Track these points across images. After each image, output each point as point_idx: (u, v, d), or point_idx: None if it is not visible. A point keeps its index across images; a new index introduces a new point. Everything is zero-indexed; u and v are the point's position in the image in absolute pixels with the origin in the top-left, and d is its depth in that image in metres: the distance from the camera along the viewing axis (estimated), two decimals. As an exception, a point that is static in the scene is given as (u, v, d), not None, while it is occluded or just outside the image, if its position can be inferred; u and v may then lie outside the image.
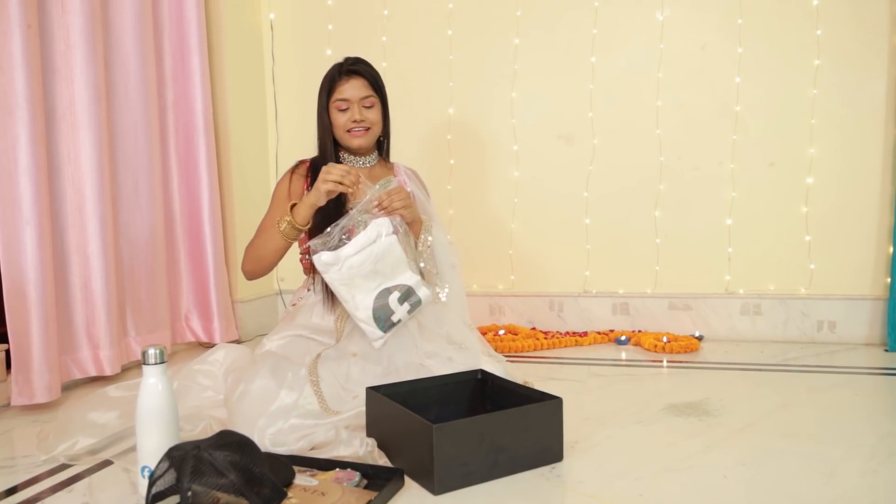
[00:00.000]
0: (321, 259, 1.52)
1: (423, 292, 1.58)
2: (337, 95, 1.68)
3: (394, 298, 1.55)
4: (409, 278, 1.57)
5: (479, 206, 2.67)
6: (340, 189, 1.54)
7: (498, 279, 2.68)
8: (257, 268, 1.71)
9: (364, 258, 1.53)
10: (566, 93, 2.56)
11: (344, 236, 1.55)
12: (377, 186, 1.57)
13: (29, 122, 1.74)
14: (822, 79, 2.31)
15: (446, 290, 1.66)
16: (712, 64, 2.42)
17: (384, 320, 1.55)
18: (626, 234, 2.54)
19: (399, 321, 1.56)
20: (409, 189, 1.76)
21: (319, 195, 1.55)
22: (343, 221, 1.55)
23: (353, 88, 1.68)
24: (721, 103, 2.42)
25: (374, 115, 1.71)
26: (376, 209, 1.57)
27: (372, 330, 1.55)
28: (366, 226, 1.56)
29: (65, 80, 1.90)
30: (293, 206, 1.62)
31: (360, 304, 1.54)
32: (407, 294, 1.56)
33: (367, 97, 1.69)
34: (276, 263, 1.71)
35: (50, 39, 1.86)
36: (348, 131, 1.69)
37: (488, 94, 2.64)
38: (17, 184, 1.74)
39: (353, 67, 1.70)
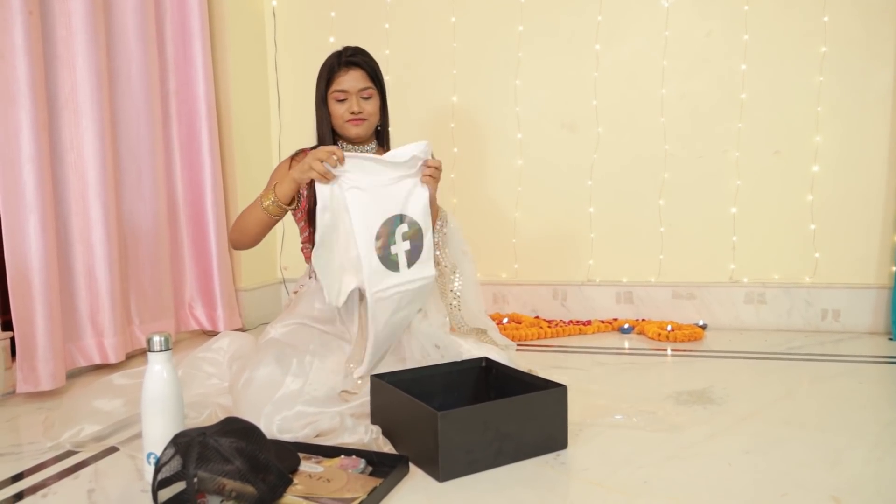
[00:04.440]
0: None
1: (427, 244, 1.56)
2: (335, 86, 1.67)
3: (401, 231, 1.53)
4: (423, 219, 1.55)
5: (483, 195, 2.66)
6: (322, 179, 1.50)
7: (501, 268, 2.67)
8: (241, 238, 1.69)
9: (385, 168, 1.53)
10: (570, 81, 2.55)
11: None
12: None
13: (31, 110, 1.73)
14: (828, 66, 2.30)
15: (458, 281, 1.66)
16: (717, 51, 2.40)
17: (386, 249, 1.52)
18: (630, 223, 2.53)
19: (395, 256, 1.53)
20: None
21: (303, 175, 1.51)
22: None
23: (351, 80, 1.67)
24: (726, 91, 2.40)
25: (371, 106, 1.70)
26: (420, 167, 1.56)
27: (370, 259, 1.50)
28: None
29: (67, 68, 1.89)
30: (276, 185, 1.59)
31: (369, 223, 1.51)
32: (414, 234, 1.54)
33: (365, 89, 1.68)
34: (260, 237, 1.68)
35: (51, 26, 1.85)
36: (346, 121, 1.69)
37: (492, 81, 2.62)
38: (21, 172, 1.74)
39: (352, 59, 1.68)
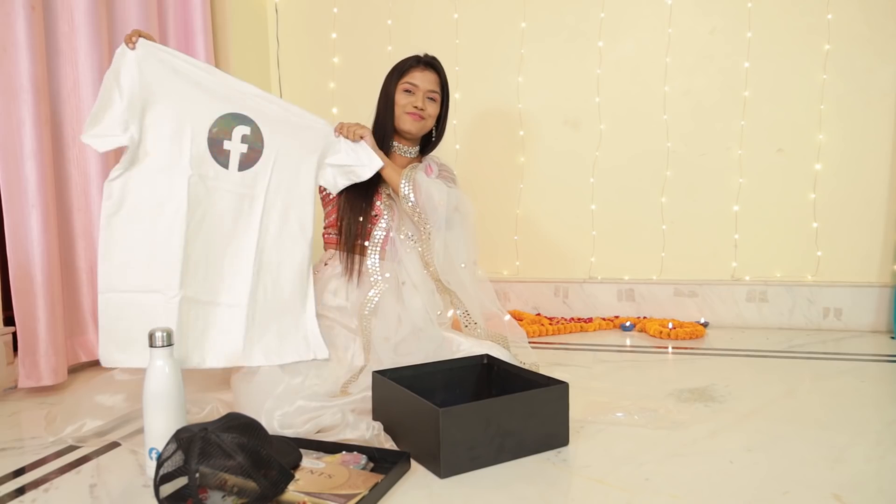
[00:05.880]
0: None
1: (263, 164, 1.54)
2: (408, 79, 1.76)
3: (241, 132, 1.52)
4: (273, 141, 1.55)
5: (485, 192, 2.66)
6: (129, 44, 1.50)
7: (503, 265, 2.67)
8: None
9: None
10: (573, 78, 2.54)
11: None
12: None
13: (33, 105, 1.73)
14: (831, 64, 2.29)
15: (430, 228, 1.65)
16: (721, 48, 2.40)
17: (216, 143, 1.50)
18: (632, 220, 2.53)
19: (227, 151, 1.51)
20: (433, 176, 1.74)
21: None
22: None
23: (424, 79, 1.76)
24: (729, 88, 2.40)
25: (433, 109, 1.78)
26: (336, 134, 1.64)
27: (198, 142, 1.48)
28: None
29: (69, 63, 1.89)
30: None
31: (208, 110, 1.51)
32: (254, 140, 1.54)
33: (433, 91, 1.77)
34: None
35: (54, 21, 1.85)
36: (407, 112, 1.75)
37: (494, 78, 2.62)
38: (23, 167, 1.74)
39: (431, 62, 1.79)
